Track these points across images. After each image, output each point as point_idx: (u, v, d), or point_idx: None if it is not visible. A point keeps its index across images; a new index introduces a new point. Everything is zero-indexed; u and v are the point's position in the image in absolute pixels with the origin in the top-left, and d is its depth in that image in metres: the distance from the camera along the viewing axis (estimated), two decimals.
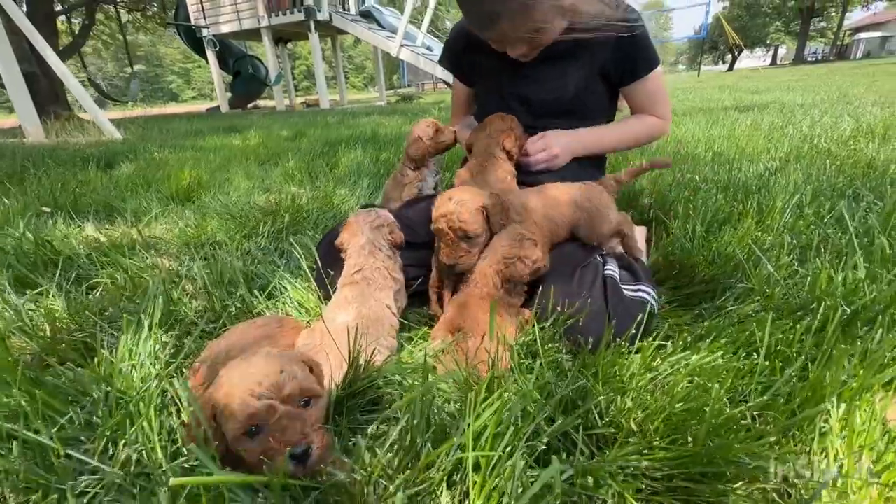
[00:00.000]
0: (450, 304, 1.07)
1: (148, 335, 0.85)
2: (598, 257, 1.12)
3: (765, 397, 0.67)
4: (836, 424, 0.61)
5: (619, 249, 1.25)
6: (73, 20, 12.65)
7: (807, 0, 32.19)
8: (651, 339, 0.85)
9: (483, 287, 1.02)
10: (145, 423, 0.66)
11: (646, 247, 1.36)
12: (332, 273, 1.12)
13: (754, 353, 0.79)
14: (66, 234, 1.70)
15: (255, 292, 1.21)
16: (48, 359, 0.90)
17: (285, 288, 1.24)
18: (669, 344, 0.86)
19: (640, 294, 1.02)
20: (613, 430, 0.69)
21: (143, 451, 0.64)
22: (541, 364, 0.79)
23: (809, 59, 38.19)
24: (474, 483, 0.55)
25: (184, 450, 0.66)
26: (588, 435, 0.69)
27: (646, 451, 0.65)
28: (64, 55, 9.68)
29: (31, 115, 5.03)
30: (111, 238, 1.65)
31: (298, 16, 10.56)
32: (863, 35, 42.17)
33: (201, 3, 11.52)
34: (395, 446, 0.62)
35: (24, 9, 8.54)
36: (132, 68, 11.59)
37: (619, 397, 0.72)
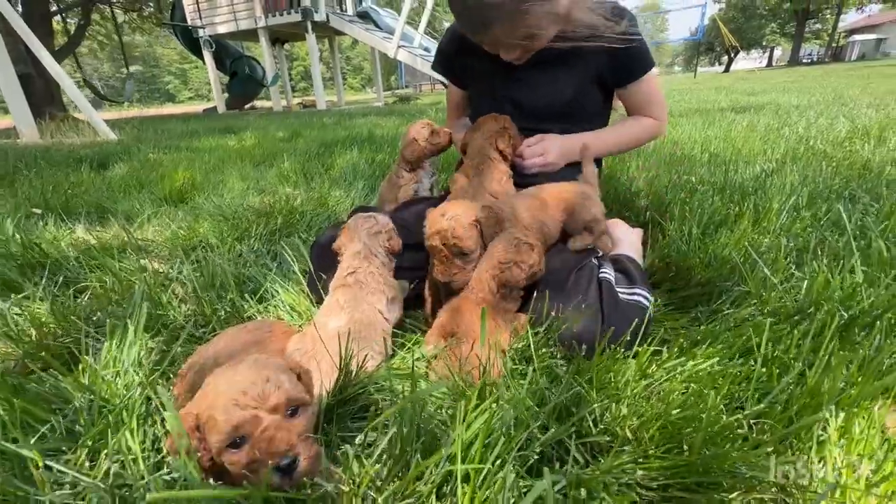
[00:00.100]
0: (443, 308, 1.05)
1: (133, 341, 0.83)
2: (593, 260, 1.11)
3: (762, 405, 0.65)
4: (834, 433, 0.60)
5: (613, 251, 1.24)
6: (68, 20, 12.60)
7: (802, 2, 32.38)
8: (647, 343, 0.84)
9: (479, 293, 1.00)
10: (127, 433, 0.64)
11: (642, 249, 1.35)
12: (324, 277, 1.10)
13: (751, 360, 0.78)
14: (56, 236, 1.68)
15: (247, 296, 1.19)
16: (32, 365, 0.88)
17: (277, 291, 1.22)
18: (665, 350, 0.84)
19: (635, 298, 1.01)
20: (608, 439, 0.67)
21: (126, 462, 0.62)
22: (534, 370, 0.77)
23: (805, 60, 38.38)
24: (464, 495, 0.54)
25: (168, 460, 0.64)
26: (582, 443, 0.68)
27: (641, 460, 0.63)
28: (59, 56, 9.65)
29: (26, 115, 5.00)
30: (102, 240, 1.63)
31: (295, 16, 10.54)
32: (857, 37, 42.40)
33: (198, 3, 11.47)
34: (384, 456, 0.61)
35: (20, 9, 8.51)
36: (128, 69, 11.53)
37: (613, 404, 0.70)
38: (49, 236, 1.65)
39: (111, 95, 13.52)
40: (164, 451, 0.66)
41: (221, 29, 11.71)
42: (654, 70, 1.29)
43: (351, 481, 0.58)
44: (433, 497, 0.57)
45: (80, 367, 0.81)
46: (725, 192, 1.72)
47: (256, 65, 12.89)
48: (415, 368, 0.90)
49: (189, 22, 11.75)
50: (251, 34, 11.88)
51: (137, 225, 1.89)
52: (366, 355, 0.88)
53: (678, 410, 0.66)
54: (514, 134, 1.27)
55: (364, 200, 2.19)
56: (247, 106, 13.85)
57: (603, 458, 0.64)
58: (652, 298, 1.03)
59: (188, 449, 0.58)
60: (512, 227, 1.08)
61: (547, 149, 1.27)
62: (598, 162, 1.48)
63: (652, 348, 0.80)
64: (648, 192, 1.81)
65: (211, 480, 0.61)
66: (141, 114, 14.38)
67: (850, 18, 48.28)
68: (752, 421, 0.68)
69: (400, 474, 0.59)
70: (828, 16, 37.48)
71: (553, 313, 0.93)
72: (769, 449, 0.59)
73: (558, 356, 0.88)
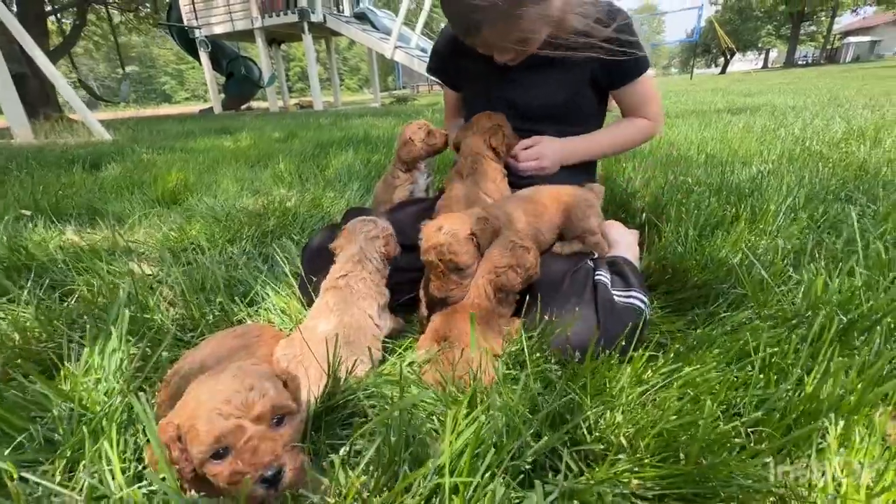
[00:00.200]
0: (437, 313, 1.03)
1: (116, 346, 0.80)
2: (588, 262, 1.09)
3: (759, 412, 0.64)
4: (833, 442, 0.58)
5: (609, 253, 1.22)
6: (64, 20, 12.52)
7: (797, 4, 32.56)
8: (643, 348, 0.82)
9: (474, 298, 0.98)
10: (106, 443, 0.61)
11: (638, 251, 1.34)
12: (314, 279, 1.08)
13: (749, 365, 0.76)
14: (45, 238, 1.65)
15: (237, 299, 1.17)
16: (13, 372, 0.85)
17: (268, 294, 1.20)
18: (661, 354, 0.83)
19: (631, 301, 0.99)
20: (603, 447, 0.66)
21: (104, 474, 0.60)
22: (527, 376, 0.76)
23: (800, 62, 38.56)
24: None
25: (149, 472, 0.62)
26: (576, 451, 0.66)
27: (636, 469, 0.61)
28: (54, 56, 9.58)
29: (20, 116, 4.95)
30: (91, 242, 1.60)
31: (292, 17, 10.50)
32: (852, 39, 42.69)
33: (193, 3, 11.41)
34: (371, 467, 0.59)
35: (14, 9, 8.45)
36: (123, 69, 11.47)
37: (608, 411, 0.69)
38: (37, 238, 1.62)
39: (107, 96, 13.46)
40: (146, 461, 0.64)
41: (218, 29, 11.66)
42: (650, 71, 1.28)
43: (337, 493, 0.56)
44: None
45: (62, 373, 0.78)
46: (722, 194, 1.71)
47: (253, 65, 12.84)
48: (406, 374, 0.88)
49: (185, 22, 11.69)
50: (247, 35, 11.83)
51: (128, 227, 1.86)
52: (355, 360, 0.86)
53: (674, 417, 0.64)
54: (508, 133, 1.26)
55: (359, 202, 2.17)
56: (243, 107, 13.80)
57: (597, 467, 0.63)
58: (648, 301, 1.01)
59: (167, 461, 0.56)
60: (507, 231, 1.07)
61: (542, 153, 1.26)
62: (591, 163, 1.46)
63: (648, 353, 0.79)
64: (645, 194, 1.80)
65: (193, 493, 0.59)
66: (137, 114, 14.31)
67: (845, 21, 48.63)
68: (749, 429, 0.66)
69: (388, 486, 0.57)
70: (823, 18, 37.71)
71: (547, 317, 0.91)
72: (767, 459, 0.58)
73: (552, 361, 0.86)
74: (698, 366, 0.74)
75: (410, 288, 1.17)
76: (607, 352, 0.80)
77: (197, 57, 12.26)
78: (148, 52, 57.07)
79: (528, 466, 0.59)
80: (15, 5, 8.69)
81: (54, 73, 5.05)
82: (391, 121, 6.03)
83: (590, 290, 0.98)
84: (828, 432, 0.60)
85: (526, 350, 0.83)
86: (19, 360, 0.88)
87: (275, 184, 2.58)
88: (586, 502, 0.56)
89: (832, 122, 3.53)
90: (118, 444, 0.64)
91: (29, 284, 1.19)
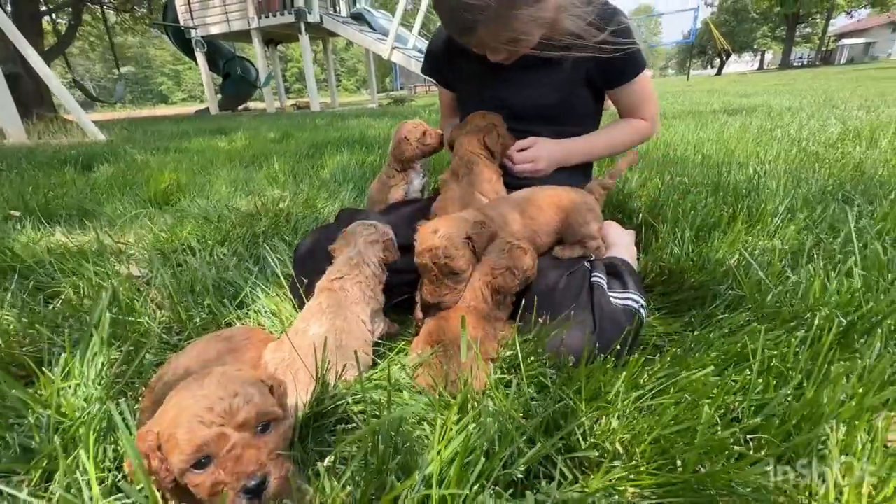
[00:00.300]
0: (431, 315, 1.01)
1: (97, 351, 0.78)
2: (585, 264, 1.08)
3: (758, 418, 0.62)
4: (835, 449, 0.57)
5: (606, 254, 1.20)
6: (59, 20, 12.45)
7: (793, 6, 32.72)
8: (639, 350, 0.80)
9: (471, 301, 0.96)
10: (82, 452, 0.59)
11: (636, 251, 1.32)
12: (305, 281, 1.06)
13: (746, 369, 0.74)
14: (32, 239, 1.62)
15: (226, 301, 1.15)
16: None
17: (258, 296, 1.18)
18: (657, 358, 0.81)
19: (627, 303, 0.98)
20: (598, 454, 0.64)
21: (79, 484, 0.58)
22: (521, 380, 0.74)
23: (795, 63, 38.78)
24: None
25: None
26: (571, 458, 0.64)
27: (632, 477, 0.60)
28: (49, 56, 9.52)
29: (13, 116, 4.90)
30: (80, 243, 1.58)
31: (289, 17, 10.46)
32: (847, 41, 42.97)
33: (189, 4, 11.36)
34: (358, 476, 0.57)
35: (9, 9, 8.39)
36: (119, 70, 11.39)
37: (603, 417, 0.67)
38: (25, 239, 1.59)
39: (103, 96, 13.35)
40: (125, 471, 0.61)
41: (214, 30, 11.60)
42: (647, 72, 1.26)
43: (322, 503, 0.54)
44: None
45: (42, 378, 0.76)
46: (719, 194, 1.70)
47: (249, 66, 12.79)
48: (398, 379, 0.87)
49: (181, 23, 11.63)
50: (244, 35, 11.78)
51: (118, 228, 1.83)
52: (344, 365, 0.84)
53: (671, 423, 0.62)
54: (503, 132, 1.24)
55: (353, 203, 2.15)
56: (240, 107, 13.75)
57: (592, 475, 0.61)
58: (645, 303, 1.00)
59: (145, 471, 0.53)
60: (503, 233, 1.05)
61: (538, 156, 1.24)
62: (588, 165, 1.45)
63: (644, 357, 0.77)
64: (641, 194, 1.79)
65: None
66: (132, 115, 14.23)
67: (840, 23, 49.01)
68: (748, 435, 0.65)
69: (374, 496, 0.55)
70: (818, 20, 37.91)
71: (542, 320, 0.89)
72: (767, 466, 0.56)
73: (547, 365, 0.84)
74: (696, 370, 0.72)
75: (405, 289, 1.15)
76: (603, 355, 0.78)
77: (193, 57, 12.20)
78: (144, 52, 56.91)
79: (520, 475, 0.57)
80: (9, 5, 8.63)
81: (48, 74, 5.00)
82: (387, 121, 6.01)
83: (586, 292, 0.96)
84: (828, 438, 0.59)
85: (520, 354, 0.81)
86: (4, 361, 0.85)
87: (269, 184, 2.56)
88: None
89: (828, 123, 3.53)
90: (96, 453, 0.61)
91: (13, 287, 1.17)
